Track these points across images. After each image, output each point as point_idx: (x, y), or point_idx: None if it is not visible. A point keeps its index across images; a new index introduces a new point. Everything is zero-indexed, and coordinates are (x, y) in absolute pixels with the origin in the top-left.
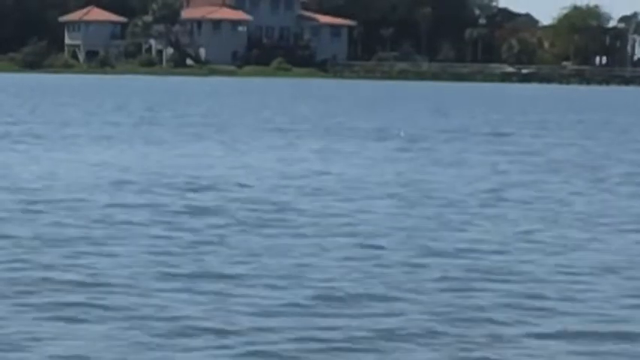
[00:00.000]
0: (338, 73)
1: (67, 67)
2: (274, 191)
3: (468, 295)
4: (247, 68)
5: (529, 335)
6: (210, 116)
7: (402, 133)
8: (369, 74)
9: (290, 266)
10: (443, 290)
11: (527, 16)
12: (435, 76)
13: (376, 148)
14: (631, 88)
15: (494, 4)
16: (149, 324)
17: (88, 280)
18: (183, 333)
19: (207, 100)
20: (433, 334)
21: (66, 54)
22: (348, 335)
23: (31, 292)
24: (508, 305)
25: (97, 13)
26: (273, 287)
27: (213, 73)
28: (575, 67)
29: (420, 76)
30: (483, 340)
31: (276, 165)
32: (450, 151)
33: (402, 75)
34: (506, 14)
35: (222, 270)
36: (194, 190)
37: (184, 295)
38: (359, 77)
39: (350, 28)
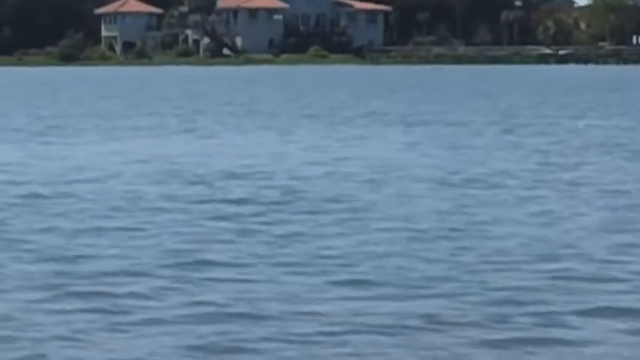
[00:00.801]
0: (375, 59)
1: (104, 60)
2: (327, 179)
3: (520, 277)
4: (284, 56)
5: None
6: (252, 105)
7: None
8: (405, 59)
9: (344, 250)
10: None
11: None
12: (472, 60)
13: (423, 133)
14: None
15: None
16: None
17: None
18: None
19: (248, 89)
20: (483, 315)
21: (103, 46)
22: (397, 318)
23: (76, 283)
24: (559, 286)
25: (133, 5)
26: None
27: (249, 62)
28: (612, 47)
29: (457, 59)
30: (534, 321)
31: (327, 153)
32: (496, 135)
33: (439, 59)
34: None
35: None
36: (244, 179)
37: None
38: (396, 63)
39: (386, 13)
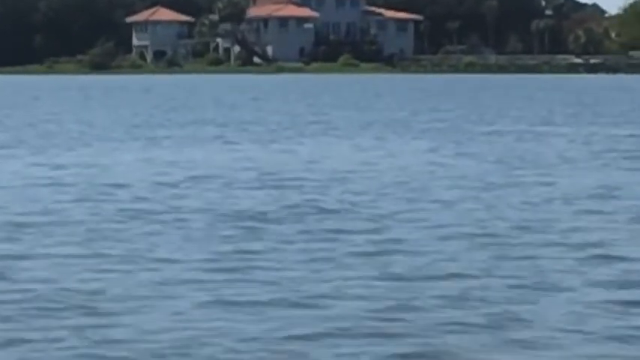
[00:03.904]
0: (405, 68)
1: (135, 68)
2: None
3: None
4: (314, 65)
5: None
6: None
7: None
8: (435, 68)
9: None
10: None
11: (594, 6)
12: (502, 69)
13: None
14: None
15: None
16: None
17: None
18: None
19: (283, 97)
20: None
21: (134, 55)
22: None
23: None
24: None
25: (163, 13)
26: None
27: (280, 70)
28: None
29: (487, 68)
30: None
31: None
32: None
33: (469, 68)
34: (573, 5)
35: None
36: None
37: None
38: (426, 71)
39: (416, 22)
